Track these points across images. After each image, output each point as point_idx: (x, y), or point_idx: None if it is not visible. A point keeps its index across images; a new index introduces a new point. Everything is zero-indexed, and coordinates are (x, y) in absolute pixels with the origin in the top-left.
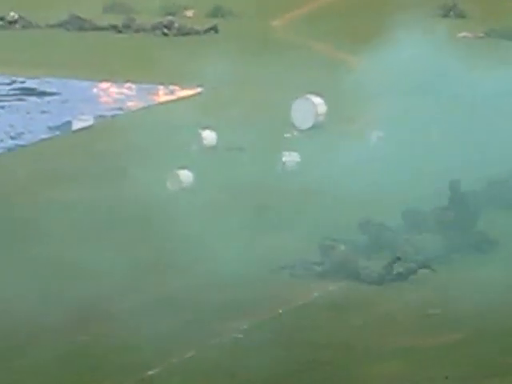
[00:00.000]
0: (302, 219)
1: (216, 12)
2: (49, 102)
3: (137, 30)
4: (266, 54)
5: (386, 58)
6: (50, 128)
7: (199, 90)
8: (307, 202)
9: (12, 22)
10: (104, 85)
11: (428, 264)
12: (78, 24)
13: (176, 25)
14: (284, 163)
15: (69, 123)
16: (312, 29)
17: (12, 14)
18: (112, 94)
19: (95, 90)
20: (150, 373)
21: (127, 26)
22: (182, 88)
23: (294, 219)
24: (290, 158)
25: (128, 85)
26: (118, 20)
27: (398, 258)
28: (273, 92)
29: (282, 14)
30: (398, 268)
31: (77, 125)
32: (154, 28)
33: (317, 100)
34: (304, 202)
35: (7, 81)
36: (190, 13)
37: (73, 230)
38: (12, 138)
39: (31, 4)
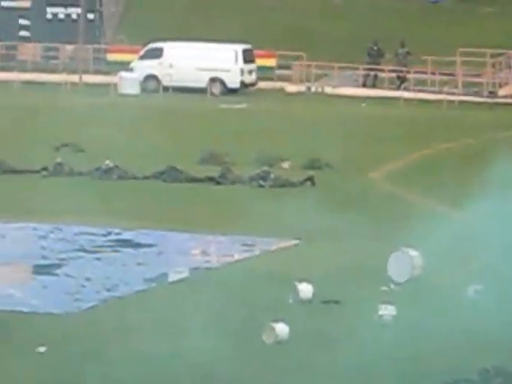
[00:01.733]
0: (398, 373)
1: (313, 164)
2: (145, 253)
3: (233, 182)
4: (364, 206)
5: (485, 211)
6: (145, 280)
7: (295, 242)
8: (403, 356)
9: (107, 171)
10: (200, 237)
11: None
12: (175, 175)
13: (272, 176)
14: (380, 316)
15: (165, 275)
16: (410, 181)
17: (107, 162)
18: (208, 246)
19: (191, 243)
20: None
21: (224, 178)
22: (278, 240)
23: (390, 373)
24: (387, 311)
25: (224, 237)
26: (215, 171)
27: None
28: (370, 245)
29: (380, 166)
30: None
31: (173, 277)
32: (251, 179)
33: (413, 253)
34: (400, 356)
35: (103, 232)
36: (286, 164)
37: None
38: (108, 289)
39: (127, 155)
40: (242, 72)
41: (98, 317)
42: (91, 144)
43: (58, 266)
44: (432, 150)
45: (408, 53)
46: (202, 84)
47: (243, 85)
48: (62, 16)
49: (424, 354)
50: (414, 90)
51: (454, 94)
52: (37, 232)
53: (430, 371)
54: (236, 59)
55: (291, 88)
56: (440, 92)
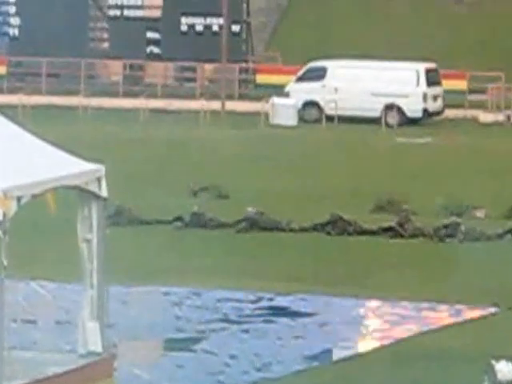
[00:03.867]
0: None
1: None
2: (304, 324)
3: (414, 235)
4: None
5: None
6: (305, 357)
7: (493, 310)
8: None
9: (256, 221)
10: (373, 303)
11: None
12: (341, 226)
13: (463, 228)
14: None
15: (329, 352)
16: None
17: (250, 209)
18: (383, 315)
19: (362, 311)
20: None
21: (402, 229)
22: (471, 307)
23: None
24: None
25: (402, 303)
26: (391, 222)
27: None
28: None
29: None
30: None
31: (339, 354)
32: (436, 231)
33: None
34: None
35: (252, 297)
36: (480, 213)
37: None
38: (258, 369)
39: (281, 201)
40: (425, 97)
41: None
42: (237, 188)
43: (196, 340)
44: None
45: None
46: (376, 113)
47: (426, 113)
48: (199, 28)
49: None
50: None
51: None
52: (169, 298)
53: None
54: (418, 81)
55: (486, 117)
56: None
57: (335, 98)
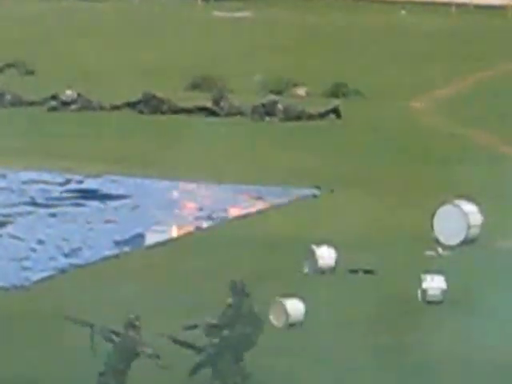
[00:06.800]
0: (449, 362)
1: (337, 90)
2: (115, 208)
3: (230, 113)
4: (403, 146)
5: None
6: (116, 242)
7: (314, 192)
8: (456, 342)
9: (67, 104)
10: (188, 186)
11: None
12: (154, 105)
13: (281, 106)
14: (424, 290)
15: (141, 236)
16: (463, 112)
17: (69, 92)
18: (198, 198)
19: (176, 193)
20: None
21: (218, 108)
22: (292, 190)
23: (439, 363)
24: (433, 283)
25: (220, 186)
26: (206, 100)
27: None
28: (410, 195)
29: (424, 92)
30: None
31: (151, 238)
32: (253, 110)
33: (468, 207)
34: (453, 342)
35: (60, 180)
36: (301, 91)
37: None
38: (66, 255)
39: (91, 77)
40: None
41: (54, 291)
42: (44, 63)
43: (1, 224)
44: (492, 71)
45: None
46: None
47: None
48: None
49: (485, 342)
50: None
51: None
52: None
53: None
54: None
55: None
56: None
57: None
